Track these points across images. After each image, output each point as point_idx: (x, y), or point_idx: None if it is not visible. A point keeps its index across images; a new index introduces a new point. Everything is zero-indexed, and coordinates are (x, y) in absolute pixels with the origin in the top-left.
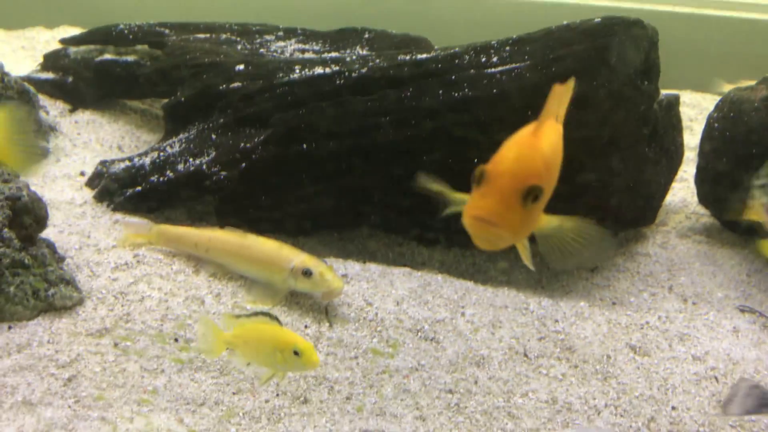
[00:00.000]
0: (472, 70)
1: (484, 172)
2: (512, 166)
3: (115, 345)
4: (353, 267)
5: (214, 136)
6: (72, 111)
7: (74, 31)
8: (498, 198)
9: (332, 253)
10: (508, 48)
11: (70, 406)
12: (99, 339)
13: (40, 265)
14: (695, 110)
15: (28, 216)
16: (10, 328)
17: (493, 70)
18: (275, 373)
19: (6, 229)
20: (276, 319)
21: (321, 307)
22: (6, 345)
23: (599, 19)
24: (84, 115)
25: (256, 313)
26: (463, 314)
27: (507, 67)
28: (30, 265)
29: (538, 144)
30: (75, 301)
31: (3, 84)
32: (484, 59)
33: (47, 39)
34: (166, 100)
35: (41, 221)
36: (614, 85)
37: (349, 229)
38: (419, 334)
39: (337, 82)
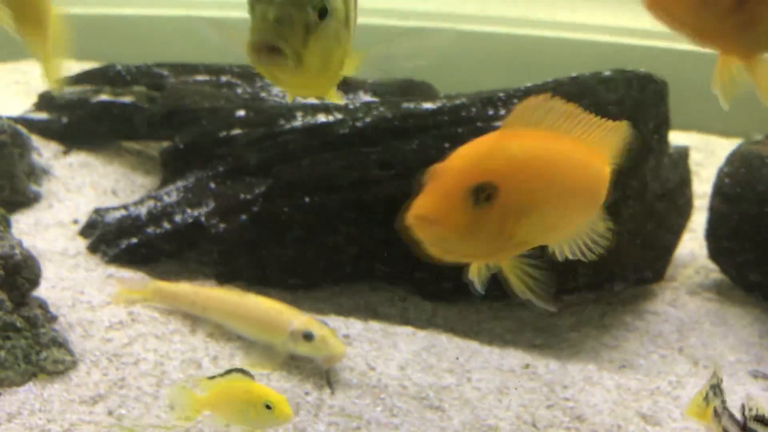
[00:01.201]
0: (479, 123)
1: (433, 170)
2: (461, 161)
3: (110, 413)
4: (355, 326)
5: (213, 185)
6: (66, 153)
7: (71, 65)
8: (441, 194)
9: (333, 310)
10: (516, 101)
11: None
12: (92, 407)
13: (32, 327)
14: (702, 154)
15: (21, 276)
16: None
17: (500, 123)
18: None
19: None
20: (249, 374)
21: (322, 372)
22: None
23: (609, 72)
24: (78, 157)
25: (229, 371)
26: (469, 380)
27: None
28: (22, 327)
29: (501, 143)
30: (67, 365)
31: None
32: (491, 112)
33: (42, 73)
34: (163, 143)
35: (34, 281)
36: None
37: (350, 283)
38: (424, 402)
39: (340, 131)
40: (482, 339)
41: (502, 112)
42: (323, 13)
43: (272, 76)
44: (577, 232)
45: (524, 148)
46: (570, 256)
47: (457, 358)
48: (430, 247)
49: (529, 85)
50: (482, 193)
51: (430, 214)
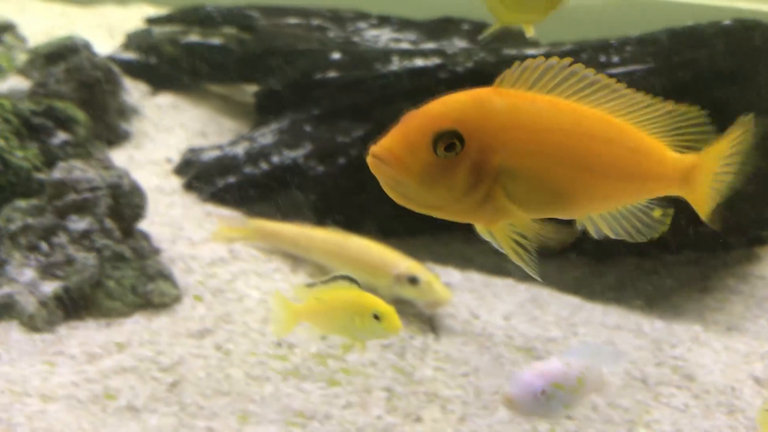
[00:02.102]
0: None
1: (408, 112)
2: (435, 106)
3: (217, 348)
4: (453, 275)
5: (308, 128)
6: (154, 93)
7: (146, 8)
8: (402, 136)
9: (430, 258)
10: (629, 48)
11: (175, 414)
12: (200, 340)
13: (139, 258)
14: None
15: (128, 206)
16: (108, 325)
17: (613, 71)
18: (355, 343)
19: (108, 219)
20: (355, 282)
21: (424, 318)
22: (105, 343)
23: (730, 21)
24: (166, 98)
25: (334, 278)
26: (575, 334)
27: (628, 68)
28: (129, 258)
29: (491, 96)
30: (173, 297)
31: (91, 64)
32: (603, 58)
33: (121, 17)
34: (252, 86)
35: (140, 211)
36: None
37: (446, 233)
38: (531, 352)
39: (440, 75)
40: (583, 295)
41: (615, 59)
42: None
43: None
44: (618, 210)
45: (517, 107)
46: (611, 236)
47: (562, 313)
48: (387, 191)
49: (642, 34)
50: (443, 143)
51: (385, 154)
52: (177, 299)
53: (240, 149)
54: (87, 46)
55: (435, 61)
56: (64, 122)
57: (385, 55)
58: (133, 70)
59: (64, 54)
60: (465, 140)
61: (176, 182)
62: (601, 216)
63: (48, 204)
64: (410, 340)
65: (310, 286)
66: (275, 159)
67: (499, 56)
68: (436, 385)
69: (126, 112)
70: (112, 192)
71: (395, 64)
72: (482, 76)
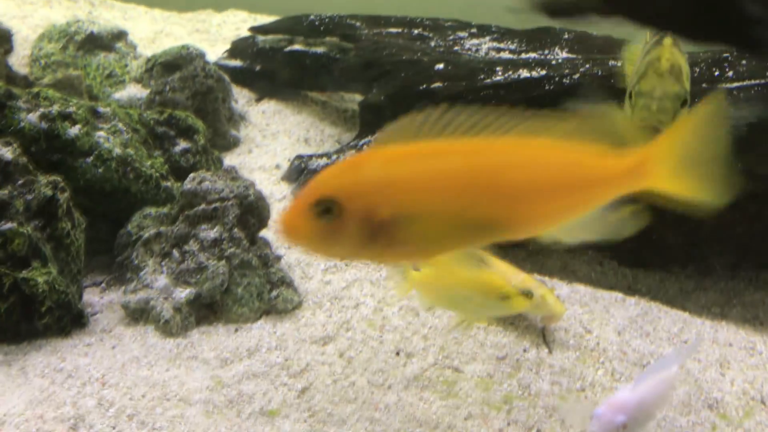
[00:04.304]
0: (703, 84)
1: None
2: (318, 177)
3: (340, 355)
4: (560, 287)
5: None
6: (258, 100)
7: (241, 14)
8: (292, 208)
9: (534, 269)
10: (744, 62)
11: (305, 420)
12: (323, 347)
13: (264, 266)
14: None
15: (253, 215)
16: (236, 330)
17: (729, 86)
18: (466, 319)
19: (236, 229)
20: (485, 261)
21: (537, 331)
22: (236, 349)
23: None
24: (270, 105)
25: (464, 255)
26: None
27: (745, 83)
28: (255, 265)
29: (362, 159)
30: (294, 304)
31: (204, 72)
32: (717, 72)
33: (219, 22)
34: (351, 95)
35: (264, 220)
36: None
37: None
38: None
39: (546, 87)
40: (689, 310)
41: (730, 73)
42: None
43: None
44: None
45: (394, 161)
46: (577, 241)
47: (672, 328)
48: (303, 250)
49: None
50: (321, 207)
51: (280, 226)
52: (298, 306)
53: (348, 157)
54: (201, 55)
55: (540, 72)
56: (185, 131)
57: (489, 65)
58: (238, 77)
59: (179, 63)
60: (343, 204)
61: (286, 189)
62: (566, 226)
63: (179, 213)
64: (524, 354)
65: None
66: None
67: (606, 68)
68: (554, 400)
69: (234, 118)
70: (239, 202)
71: (500, 75)
72: (589, 88)
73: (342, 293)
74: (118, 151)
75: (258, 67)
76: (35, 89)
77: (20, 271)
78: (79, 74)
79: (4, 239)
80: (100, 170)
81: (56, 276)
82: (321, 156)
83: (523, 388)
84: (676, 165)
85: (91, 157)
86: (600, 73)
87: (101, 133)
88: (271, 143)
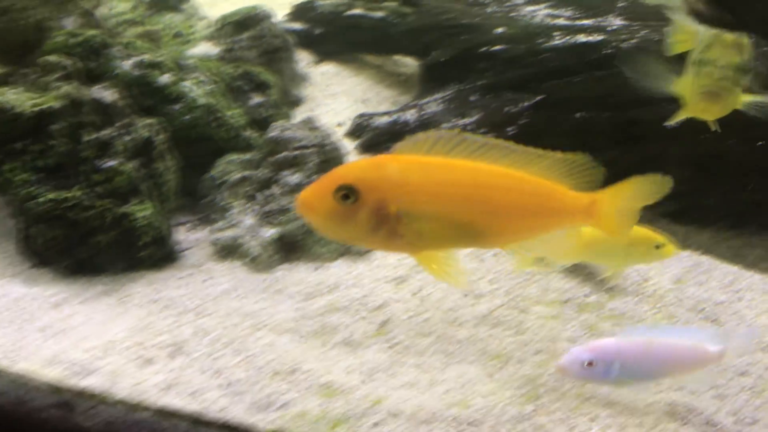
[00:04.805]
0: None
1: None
2: (345, 166)
3: (413, 294)
4: None
5: (473, 98)
6: (317, 62)
7: None
8: (317, 187)
9: None
10: None
11: (385, 351)
12: (397, 286)
13: None
14: None
15: (331, 163)
16: (316, 268)
17: None
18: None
19: (316, 175)
20: None
21: (596, 279)
22: (318, 285)
23: None
24: (329, 67)
25: None
26: (740, 299)
27: None
28: None
29: (394, 158)
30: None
31: (272, 33)
32: None
33: None
34: (406, 58)
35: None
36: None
37: None
38: (701, 314)
39: (604, 51)
40: (738, 264)
41: None
42: (747, 72)
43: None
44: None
45: (408, 168)
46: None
47: (724, 279)
48: (314, 228)
49: None
50: (341, 194)
51: (302, 202)
52: (370, 249)
53: (409, 116)
54: (269, 16)
55: (598, 37)
56: (259, 86)
57: (547, 30)
58: (299, 39)
59: (249, 23)
60: (361, 192)
61: (349, 144)
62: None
63: (263, 159)
64: (585, 298)
65: None
66: (445, 126)
67: (662, 34)
68: None
69: (296, 78)
70: (319, 150)
71: (558, 39)
72: (645, 52)
73: None
74: (203, 100)
75: (318, 30)
76: (125, 39)
77: (121, 206)
78: (158, 29)
79: (107, 176)
80: (188, 117)
81: (153, 212)
82: (382, 114)
83: (587, 328)
84: (610, 213)
85: (179, 105)
86: (656, 38)
87: (187, 83)
88: (331, 103)
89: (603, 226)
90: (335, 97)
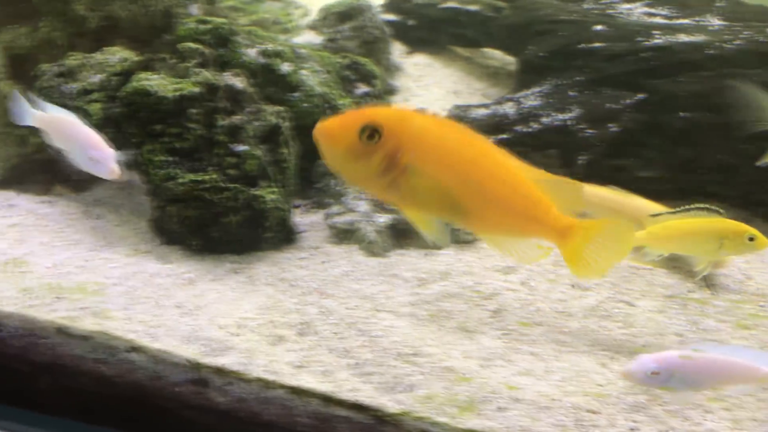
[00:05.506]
0: None
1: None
2: (367, 108)
3: (523, 284)
4: None
5: (572, 93)
6: (409, 53)
7: None
8: (343, 120)
9: None
10: None
11: (500, 338)
12: (506, 275)
13: None
14: None
15: None
16: (426, 255)
17: None
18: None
19: None
20: (718, 212)
21: (697, 275)
22: (430, 271)
23: None
24: (421, 58)
25: (687, 209)
26: None
27: None
28: None
29: (415, 113)
30: (474, 236)
31: (373, 23)
32: None
33: None
34: (492, 51)
35: None
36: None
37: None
38: None
39: (707, 52)
40: None
41: None
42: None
43: None
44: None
45: (430, 126)
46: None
47: None
48: (324, 158)
49: None
50: (366, 132)
51: (325, 129)
52: (477, 237)
53: (508, 109)
54: (370, 7)
55: (699, 37)
56: (365, 76)
57: (646, 29)
58: (393, 30)
59: (351, 13)
60: (384, 135)
61: None
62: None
63: None
64: (689, 294)
65: (655, 216)
66: (545, 120)
67: (766, 36)
68: (722, 336)
69: (391, 68)
70: None
71: (658, 38)
72: (750, 54)
73: None
74: (319, 89)
75: (411, 22)
76: (247, 27)
77: (251, 189)
78: (267, 17)
79: (239, 160)
80: (306, 105)
81: (279, 196)
82: (479, 106)
83: (692, 323)
84: (580, 245)
85: (298, 93)
86: (761, 39)
87: (304, 72)
88: (424, 93)
89: (568, 253)
90: (428, 88)
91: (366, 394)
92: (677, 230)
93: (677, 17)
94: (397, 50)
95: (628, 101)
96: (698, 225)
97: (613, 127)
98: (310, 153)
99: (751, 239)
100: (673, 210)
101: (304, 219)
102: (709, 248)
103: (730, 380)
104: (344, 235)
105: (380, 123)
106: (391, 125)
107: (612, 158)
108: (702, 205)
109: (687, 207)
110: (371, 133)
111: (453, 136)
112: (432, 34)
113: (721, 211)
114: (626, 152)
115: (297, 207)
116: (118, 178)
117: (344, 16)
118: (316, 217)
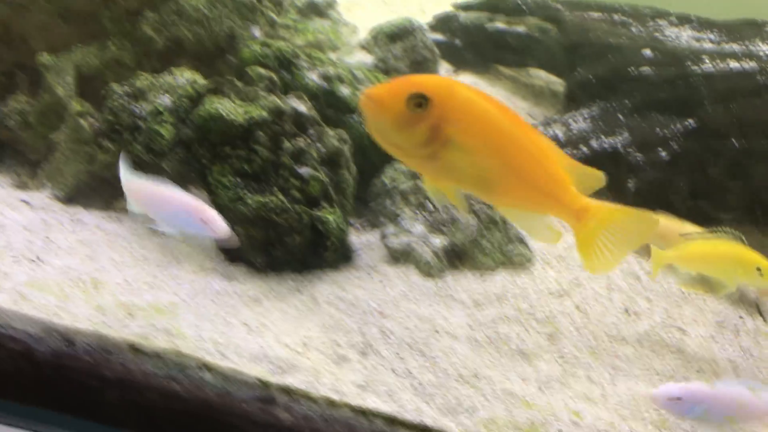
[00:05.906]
0: None
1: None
2: (417, 76)
3: (577, 308)
4: None
5: (621, 117)
6: (456, 72)
7: None
8: (391, 88)
9: None
10: None
11: (557, 362)
12: (560, 299)
13: (503, 223)
14: None
15: None
16: (481, 277)
17: None
18: (724, 284)
19: None
20: (740, 238)
21: (749, 301)
22: (485, 293)
23: None
24: (466, 77)
25: (712, 231)
26: None
27: None
28: (498, 221)
29: (463, 86)
30: (527, 258)
31: (423, 44)
32: None
33: None
34: (536, 71)
35: None
36: None
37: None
38: None
39: (759, 79)
40: None
41: None
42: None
43: None
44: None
45: (475, 100)
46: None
47: None
48: (368, 127)
49: None
50: (414, 100)
51: (373, 96)
52: (530, 261)
53: (557, 131)
54: (420, 28)
55: (751, 64)
56: None
57: (695, 54)
58: (439, 49)
59: (401, 34)
60: (432, 105)
61: None
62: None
63: None
64: (741, 320)
65: (685, 236)
66: (594, 143)
67: None
68: None
69: None
70: None
71: (708, 64)
72: None
73: (566, 253)
74: None
75: (459, 42)
76: (307, 50)
77: (314, 210)
78: (326, 38)
79: (303, 182)
80: (362, 127)
81: (339, 217)
82: None
83: (745, 350)
84: (596, 229)
85: (356, 115)
86: None
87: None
88: None
89: (581, 238)
90: None
91: (429, 414)
92: (699, 252)
93: (726, 42)
94: (444, 69)
95: (678, 126)
96: (716, 249)
97: (663, 153)
98: (365, 173)
99: (760, 270)
100: (701, 231)
101: (359, 238)
102: (727, 273)
103: (750, 417)
104: (399, 255)
105: (429, 91)
106: (438, 95)
107: (662, 183)
108: (727, 229)
109: (713, 229)
110: (420, 102)
111: (493, 110)
112: (479, 54)
113: (743, 237)
114: (676, 178)
115: (351, 225)
116: (231, 238)
117: (395, 36)
118: (371, 236)
